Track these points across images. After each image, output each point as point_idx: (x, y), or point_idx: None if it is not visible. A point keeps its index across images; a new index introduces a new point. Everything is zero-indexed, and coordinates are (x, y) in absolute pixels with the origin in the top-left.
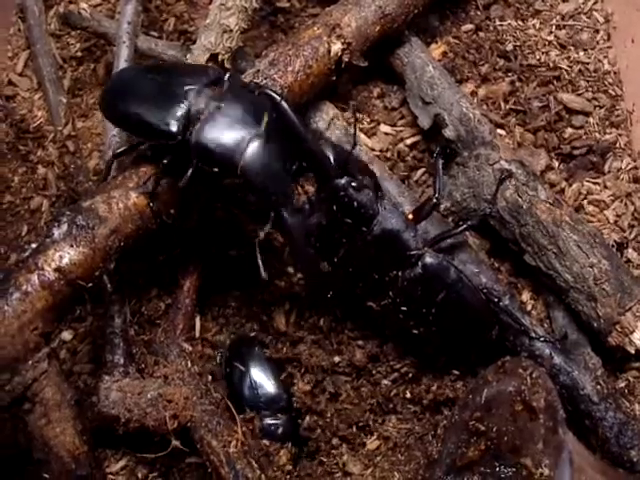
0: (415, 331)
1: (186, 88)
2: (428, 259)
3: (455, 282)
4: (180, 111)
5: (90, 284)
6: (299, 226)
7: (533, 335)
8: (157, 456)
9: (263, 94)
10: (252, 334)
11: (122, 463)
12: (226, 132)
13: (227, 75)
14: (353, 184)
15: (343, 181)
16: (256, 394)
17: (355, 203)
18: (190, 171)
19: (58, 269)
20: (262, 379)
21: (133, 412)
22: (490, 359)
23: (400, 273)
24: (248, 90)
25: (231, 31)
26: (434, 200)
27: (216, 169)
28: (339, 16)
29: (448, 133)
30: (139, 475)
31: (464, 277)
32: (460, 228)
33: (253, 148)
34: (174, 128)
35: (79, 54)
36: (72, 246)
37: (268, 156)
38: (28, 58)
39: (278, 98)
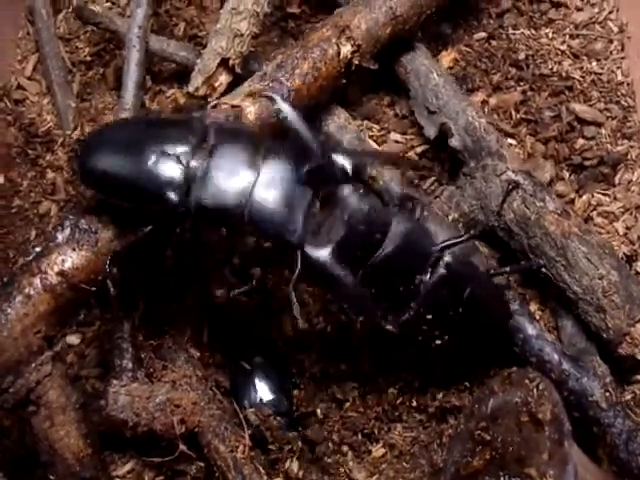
0: (438, 341)
1: (179, 151)
2: (448, 258)
3: (477, 276)
4: (177, 178)
5: (93, 288)
6: (330, 258)
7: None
8: (164, 460)
9: (266, 97)
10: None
11: (129, 466)
12: (225, 189)
13: (209, 121)
14: (360, 191)
15: (349, 188)
16: (258, 398)
17: (365, 209)
18: (180, 232)
19: (61, 273)
20: (265, 384)
21: (141, 416)
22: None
23: (424, 278)
24: (236, 131)
25: (242, 35)
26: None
27: (224, 228)
28: (349, 18)
29: (454, 143)
30: (145, 478)
31: (481, 271)
32: (463, 237)
33: (256, 196)
34: (174, 197)
35: (88, 58)
36: (74, 250)
37: (273, 199)
38: (37, 62)
39: (279, 99)
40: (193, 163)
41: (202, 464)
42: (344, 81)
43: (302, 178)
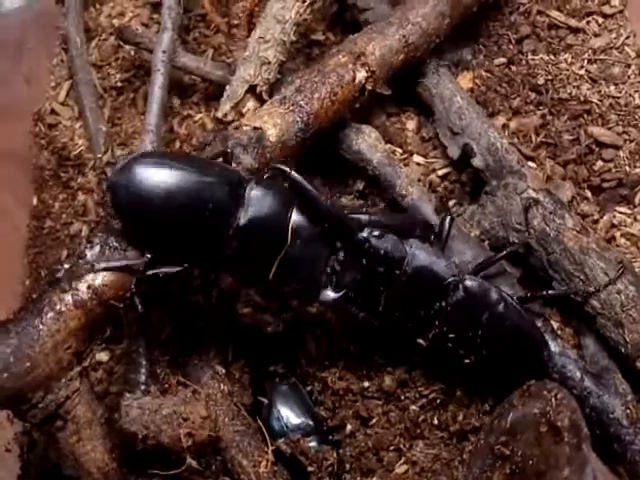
0: (467, 360)
1: (221, 203)
2: (468, 282)
3: (498, 301)
4: (220, 233)
5: (122, 305)
6: (340, 300)
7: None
8: (169, 473)
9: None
10: (271, 368)
11: None
12: (258, 246)
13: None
14: (375, 234)
15: (365, 234)
16: (284, 425)
17: (382, 251)
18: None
19: (91, 289)
20: (288, 410)
21: (149, 429)
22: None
23: (444, 303)
24: (269, 189)
25: (269, 63)
26: (449, 217)
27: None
28: (364, 44)
29: (477, 162)
30: None
31: (505, 295)
32: (498, 256)
33: (284, 259)
34: (218, 250)
35: (119, 84)
36: None
37: (298, 260)
38: (70, 88)
39: (288, 170)
40: (232, 218)
41: (227, 479)
42: (357, 105)
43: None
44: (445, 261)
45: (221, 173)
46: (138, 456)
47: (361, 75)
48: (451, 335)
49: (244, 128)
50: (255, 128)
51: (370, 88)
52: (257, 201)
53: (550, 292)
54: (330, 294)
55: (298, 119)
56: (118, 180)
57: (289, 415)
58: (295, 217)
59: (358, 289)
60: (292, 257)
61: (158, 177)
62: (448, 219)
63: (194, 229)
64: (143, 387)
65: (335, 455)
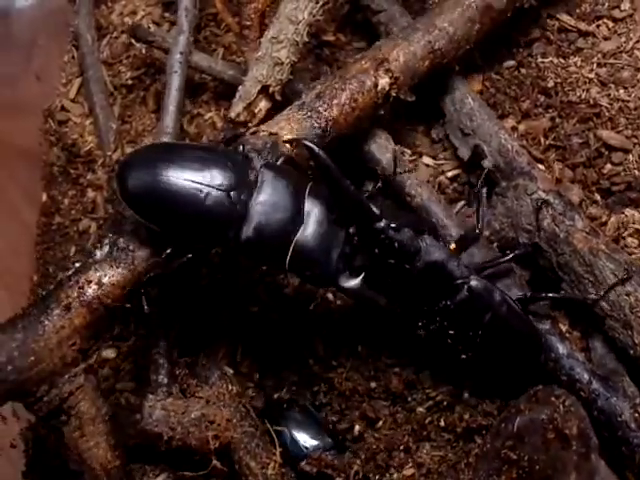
0: (464, 356)
1: (229, 187)
2: (473, 282)
3: (500, 303)
4: (233, 217)
5: (128, 304)
6: (361, 288)
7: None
8: (197, 475)
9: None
10: (276, 395)
11: (161, 479)
12: (271, 230)
13: (258, 158)
14: (392, 225)
15: (382, 224)
16: (303, 448)
17: (396, 244)
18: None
19: (97, 288)
20: (303, 433)
21: (176, 430)
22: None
23: (448, 302)
24: (282, 172)
25: (282, 64)
26: (477, 231)
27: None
28: (387, 50)
29: (487, 164)
30: None
31: (509, 299)
32: (507, 257)
33: (299, 242)
34: (230, 234)
35: (130, 82)
36: (112, 267)
37: (313, 244)
38: (81, 85)
39: (315, 148)
40: (242, 200)
41: None
42: (382, 112)
43: (338, 220)
44: (456, 262)
45: (230, 158)
46: (155, 455)
47: (384, 81)
48: (451, 332)
49: (261, 134)
50: (271, 134)
51: (394, 95)
52: (269, 185)
53: (556, 295)
54: (350, 281)
55: (316, 125)
56: (125, 171)
57: (306, 438)
58: (309, 200)
59: (366, 277)
60: (307, 241)
61: (165, 164)
62: (476, 232)
63: (205, 215)
64: (165, 389)
65: (358, 462)
